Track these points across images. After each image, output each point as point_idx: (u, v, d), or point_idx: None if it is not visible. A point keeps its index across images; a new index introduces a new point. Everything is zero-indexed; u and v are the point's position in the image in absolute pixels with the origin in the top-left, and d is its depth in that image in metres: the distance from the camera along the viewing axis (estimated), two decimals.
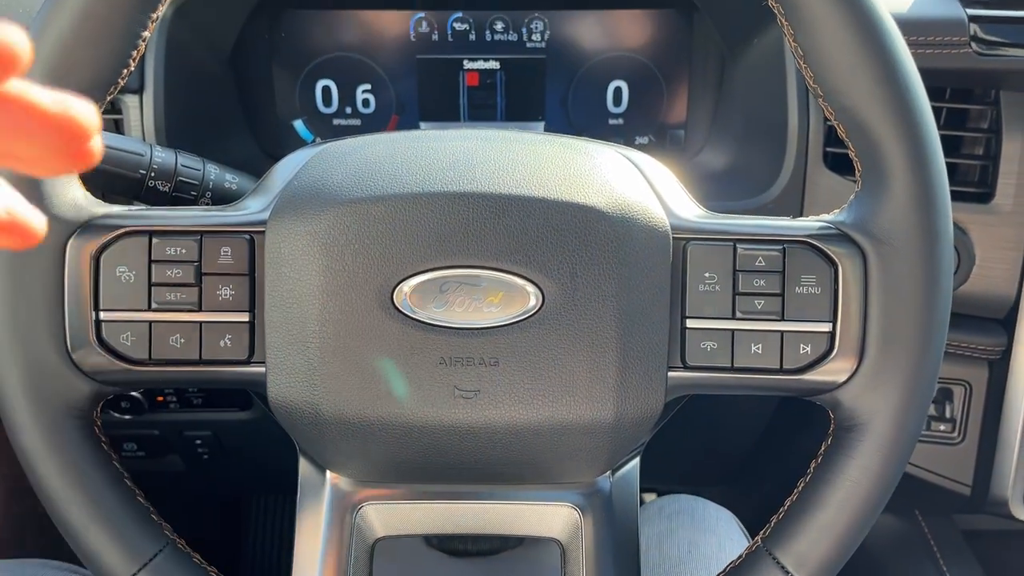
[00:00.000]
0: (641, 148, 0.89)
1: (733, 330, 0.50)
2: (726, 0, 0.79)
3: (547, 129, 0.89)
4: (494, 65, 0.87)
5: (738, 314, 0.50)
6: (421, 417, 0.50)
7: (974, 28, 0.68)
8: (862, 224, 0.50)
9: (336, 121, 0.89)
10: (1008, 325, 0.73)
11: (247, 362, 0.51)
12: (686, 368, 0.51)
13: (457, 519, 0.56)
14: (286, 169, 0.53)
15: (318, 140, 0.89)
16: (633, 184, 0.52)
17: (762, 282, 0.50)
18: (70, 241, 0.49)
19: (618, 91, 0.88)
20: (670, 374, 0.51)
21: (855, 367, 0.50)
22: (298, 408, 0.51)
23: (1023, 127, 0.69)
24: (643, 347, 0.50)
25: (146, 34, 0.49)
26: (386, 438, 0.51)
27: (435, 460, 0.52)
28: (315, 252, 0.49)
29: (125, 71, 0.49)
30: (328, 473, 0.56)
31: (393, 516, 0.56)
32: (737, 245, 0.50)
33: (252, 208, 0.52)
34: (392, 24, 0.86)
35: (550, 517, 0.56)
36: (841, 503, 0.50)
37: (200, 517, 1.38)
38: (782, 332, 0.50)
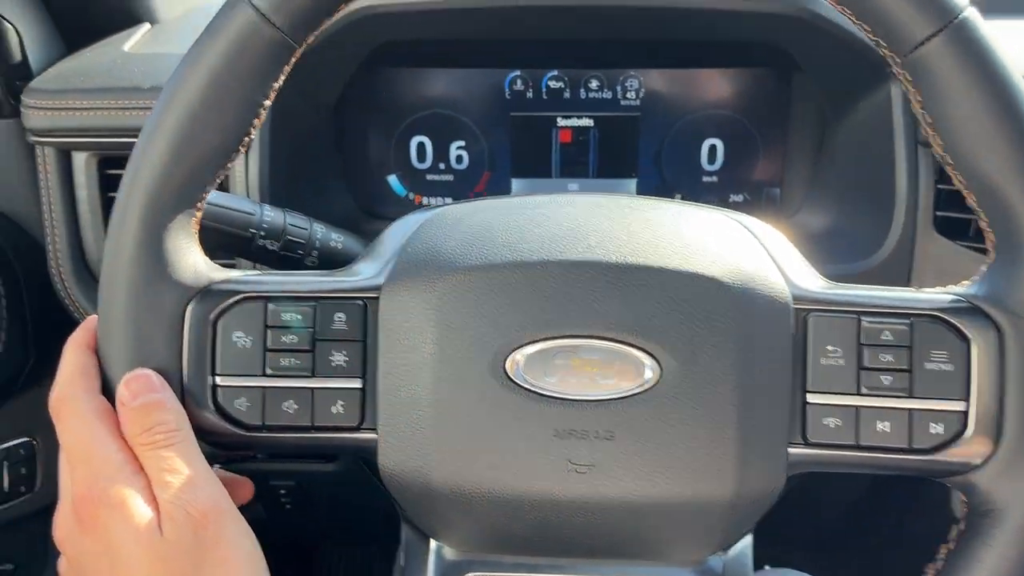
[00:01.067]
0: (735, 206, 0.89)
1: (858, 406, 0.48)
2: (830, 60, 0.78)
3: (640, 186, 0.89)
4: (587, 122, 0.87)
5: (863, 389, 0.48)
6: (533, 490, 0.49)
7: None
8: (997, 298, 0.47)
9: (429, 176, 0.89)
10: None
11: (358, 428, 0.51)
12: (807, 445, 0.49)
13: None
14: (398, 233, 0.54)
15: (411, 195, 0.90)
16: (751, 252, 0.50)
17: (889, 357, 0.48)
18: (190, 306, 0.50)
19: (713, 149, 0.87)
20: (791, 451, 0.49)
21: (992, 449, 0.47)
22: (408, 476, 0.50)
23: None
24: (764, 423, 0.48)
25: (267, 103, 0.50)
26: (496, 510, 0.50)
27: (545, 533, 0.51)
28: (429, 320, 0.49)
29: (247, 139, 0.50)
30: (433, 542, 0.55)
31: None
32: (862, 317, 0.49)
33: (366, 273, 0.52)
34: (487, 82, 0.86)
35: None
36: None
37: (275, 563, 1.38)
38: (911, 410, 0.48)
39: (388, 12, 0.71)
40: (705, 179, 0.88)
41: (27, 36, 0.77)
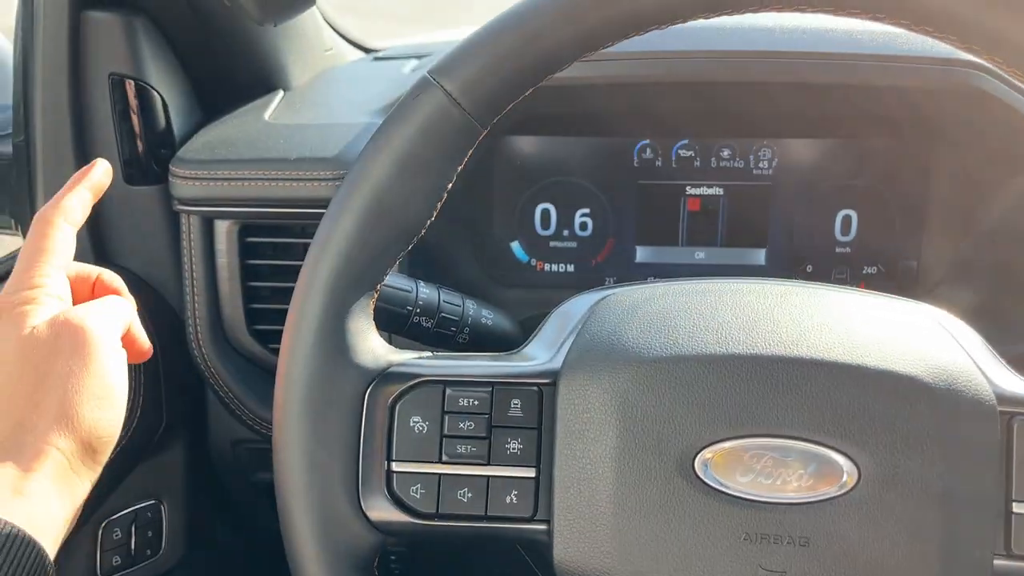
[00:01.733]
0: (869, 278, 0.86)
1: None
2: (981, 136, 0.76)
3: (768, 256, 0.87)
4: (717, 191, 0.86)
5: None
6: None
7: None
8: None
9: (553, 243, 0.89)
10: None
11: (530, 520, 0.49)
12: (1011, 557, 0.46)
13: None
14: (568, 317, 0.52)
15: (533, 261, 0.89)
16: (952, 351, 0.48)
17: None
18: (369, 389, 0.49)
19: (847, 219, 0.85)
20: (996, 563, 0.46)
21: None
22: (582, 572, 0.48)
23: None
24: (969, 533, 0.46)
25: (451, 185, 0.50)
26: None
27: None
28: (612, 411, 0.48)
29: (428, 221, 0.50)
30: None
31: None
32: None
33: (540, 358, 0.51)
34: (616, 151, 0.86)
35: None
36: None
37: None
38: None
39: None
40: (838, 250, 0.86)
41: (171, 102, 0.78)
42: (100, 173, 0.52)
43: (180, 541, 0.82)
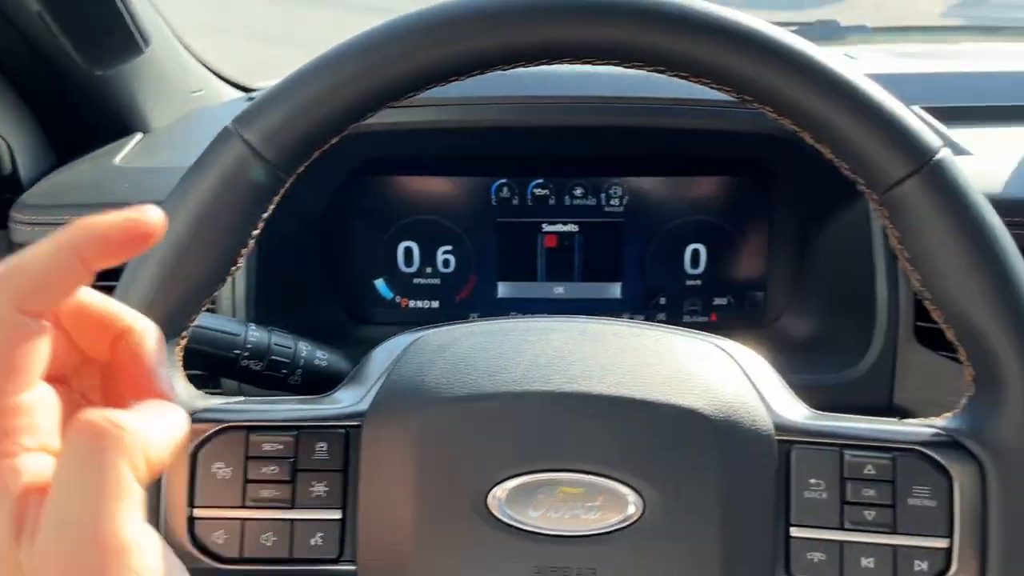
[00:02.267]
0: (720, 310, 0.89)
1: (842, 541, 0.48)
2: (807, 174, 0.80)
3: (624, 290, 0.89)
4: (572, 228, 0.88)
5: (847, 524, 0.48)
6: None
7: None
8: (978, 434, 0.47)
9: (416, 280, 0.90)
10: None
11: (336, 561, 0.50)
12: None
13: None
14: (382, 358, 0.54)
15: (398, 298, 0.90)
16: (734, 382, 0.51)
17: (872, 492, 0.48)
18: None
19: (696, 253, 0.89)
20: None
21: None
22: None
23: None
24: (747, 557, 0.48)
25: (256, 232, 0.51)
26: None
27: None
28: (410, 453, 0.49)
29: (233, 269, 0.51)
30: None
31: None
32: (844, 451, 0.49)
33: (347, 401, 0.52)
34: (474, 190, 0.88)
35: None
36: None
37: None
38: (895, 546, 0.48)
39: (374, 132, 0.72)
40: (689, 283, 0.89)
41: (17, 147, 0.78)
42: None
43: None
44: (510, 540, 0.48)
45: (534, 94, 0.77)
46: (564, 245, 0.89)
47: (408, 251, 0.89)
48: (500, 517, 0.48)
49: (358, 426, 0.50)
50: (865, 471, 0.48)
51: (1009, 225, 0.67)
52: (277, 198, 0.51)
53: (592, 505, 0.48)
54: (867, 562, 0.48)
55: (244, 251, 0.51)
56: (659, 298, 0.90)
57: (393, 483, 0.49)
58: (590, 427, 0.48)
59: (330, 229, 0.86)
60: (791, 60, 0.46)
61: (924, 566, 0.47)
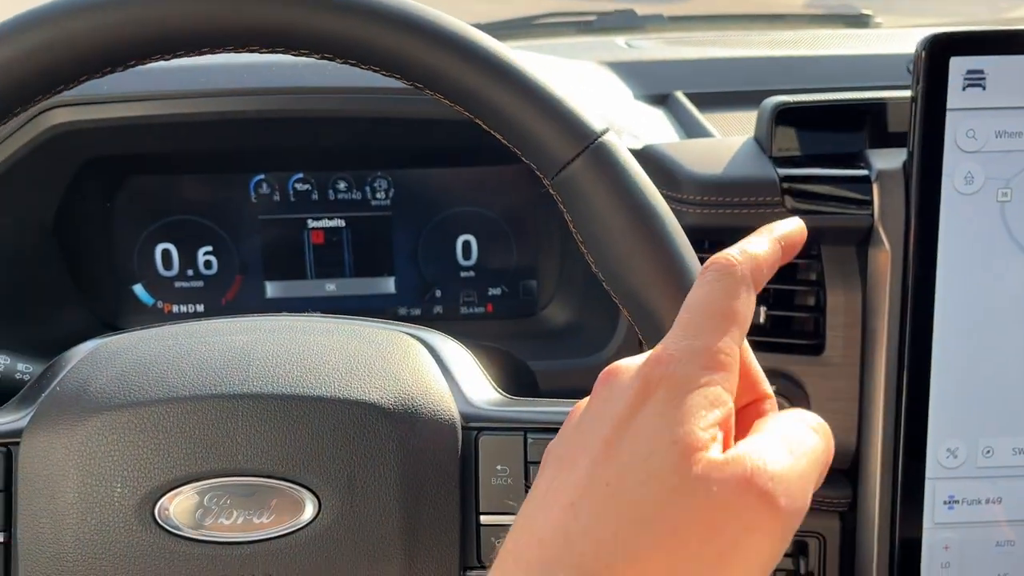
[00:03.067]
0: (495, 300, 0.89)
1: None
2: None
3: (398, 283, 0.88)
4: (339, 223, 0.86)
5: None
6: None
7: (786, 186, 0.69)
8: None
9: (178, 284, 0.86)
10: (852, 476, 0.72)
11: None
12: (483, 568, 0.48)
13: None
14: (57, 369, 0.50)
15: (160, 303, 0.86)
16: (421, 373, 0.50)
17: None
18: None
19: (467, 245, 0.88)
20: (468, 574, 0.48)
21: None
22: None
23: (843, 280, 0.70)
24: (433, 551, 0.47)
25: None
26: None
27: None
28: (71, 466, 0.46)
29: None
30: None
31: None
32: (528, 434, 0.48)
33: (9, 417, 0.48)
34: (232, 186, 0.85)
35: None
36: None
37: None
38: None
39: (86, 129, 0.68)
40: (463, 274, 0.89)
41: None
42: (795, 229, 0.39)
43: None
44: (181, 551, 0.45)
45: (256, 85, 0.75)
46: (332, 241, 0.87)
47: (167, 253, 0.85)
48: (168, 528, 0.45)
49: (18, 443, 0.47)
50: None
51: (718, 204, 0.69)
52: None
53: (265, 510, 0.46)
54: None
55: None
56: (434, 291, 0.89)
57: (53, 501, 0.46)
58: (261, 429, 0.46)
59: (75, 233, 0.81)
60: (456, 45, 0.46)
61: None
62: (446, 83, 0.46)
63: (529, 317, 0.87)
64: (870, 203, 0.67)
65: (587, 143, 0.46)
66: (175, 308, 0.86)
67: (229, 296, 0.87)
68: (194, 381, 0.47)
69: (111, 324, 0.84)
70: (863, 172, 0.68)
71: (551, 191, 0.48)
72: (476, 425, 0.49)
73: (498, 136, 0.48)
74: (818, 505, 0.74)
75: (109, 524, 0.45)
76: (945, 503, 0.70)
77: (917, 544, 0.69)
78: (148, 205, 0.84)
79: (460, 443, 0.48)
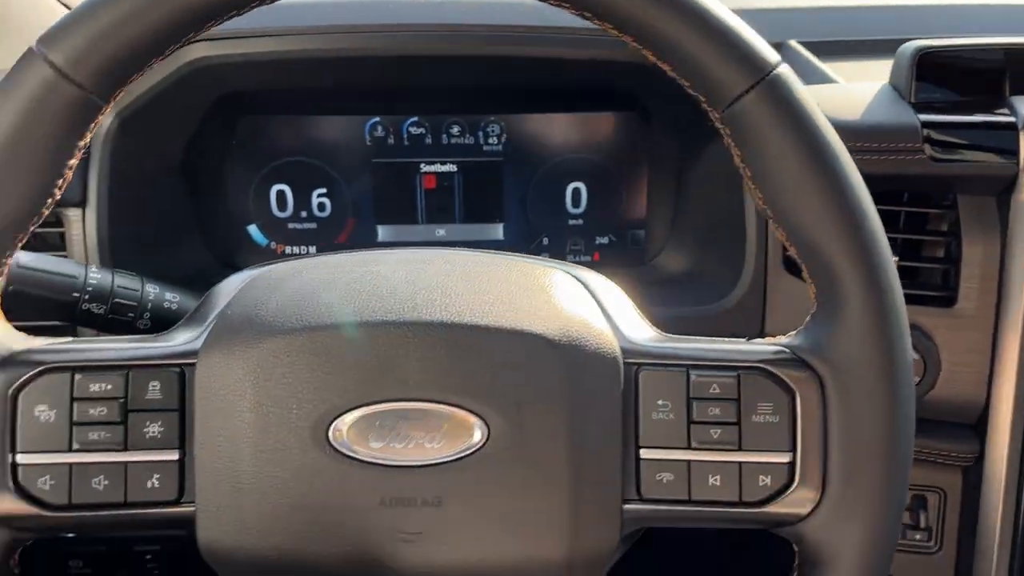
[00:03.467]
0: (602, 249, 0.89)
1: (689, 461, 0.48)
2: (677, 105, 0.79)
3: (506, 230, 0.88)
4: (451, 168, 0.86)
5: (694, 444, 0.48)
6: (363, 562, 0.47)
7: (927, 133, 0.67)
8: (818, 349, 0.48)
9: (292, 225, 0.87)
10: (979, 431, 0.71)
11: (177, 502, 0.48)
12: (642, 501, 0.48)
13: None
14: (219, 296, 0.51)
15: (273, 244, 0.87)
16: (582, 308, 0.50)
17: (717, 410, 0.48)
18: None
19: (576, 192, 0.88)
20: (626, 507, 0.48)
21: (818, 499, 0.47)
22: (230, 553, 0.47)
23: (982, 230, 0.69)
24: (596, 481, 0.47)
25: (73, 162, 0.47)
26: None
27: None
28: (247, 387, 0.47)
29: (50, 201, 0.47)
30: None
31: None
32: (690, 371, 0.48)
33: (182, 339, 0.49)
34: (347, 129, 0.85)
35: None
36: None
37: None
38: (740, 463, 0.48)
39: (224, 64, 0.69)
40: (571, 222, 0.88)
41: None
42: None
43: None
44: (353, 472, 0.46)
45: (396, 22, 0.74)
46: (443, 186, 0.87)
47: (281, 195, 0.86)
48: (341, 450, 0.46)
49: (193, 364, 0.48)
50: (711, 390, 0.48)
51: (856, 151, 0.68)
52: (94, 125, 0.47)
53: (436, 434, 0.47)
54: (714, 480, 0.48)
55: (61, 183, 0.47)
56: (542, 238, 0.89)
57: (230, 420, 0.47)
58: (432, 355, 0.47)
59: (196, 171, 0.83)
60: None
61: (768, 481, 0.47)
62: (617, 13, 0.46)
63: (638, 267, 0.87)
64: (1016, 151, 0.66)
65: (762, 75, 0.45)
66: (288, 249, 0.88)
67: (341, 239, 0.88)
68: (363, 308, 0.48)
69: (228, 263, 0.85)
70: (1009, 119, 0.66)
71: (717, 124, 0.48)
72: (636, 360, 0.49)
73: (666, 67, 0.47)
74: (940, 459, 0.73)
75: (285, 444, 0.46)
76: None
77: None
78: (265, 146, 0.85)
79: (622, 377, 0.48)
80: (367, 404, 0.47)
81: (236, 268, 0.85)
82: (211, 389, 0.47)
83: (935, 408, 0.72)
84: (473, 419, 0.47)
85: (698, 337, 0.51)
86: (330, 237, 0.88)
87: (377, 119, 0.85)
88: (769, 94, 0.45)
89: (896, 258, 0.71)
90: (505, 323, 0.48)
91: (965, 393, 0.71)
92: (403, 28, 0.74)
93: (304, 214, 0.87)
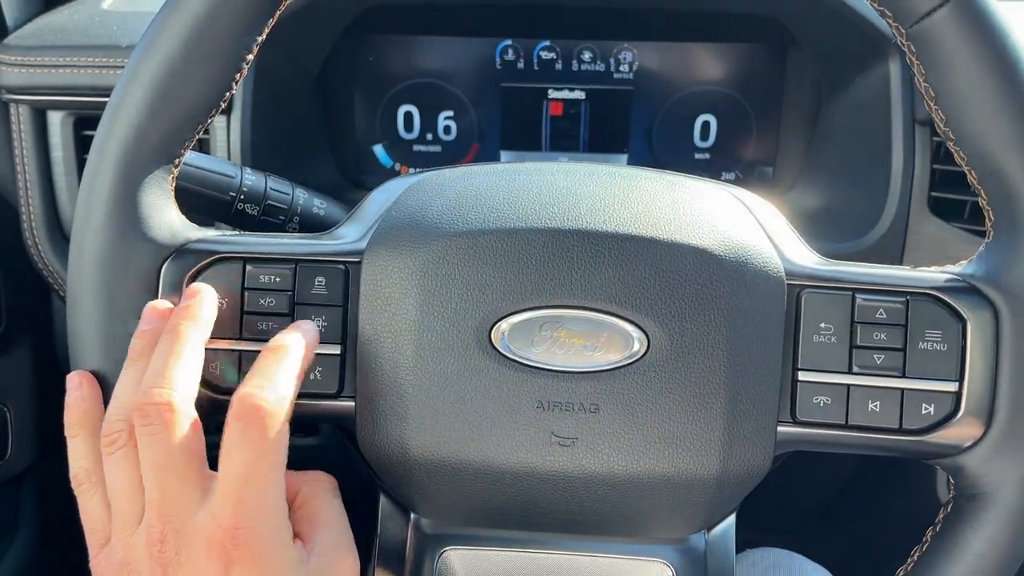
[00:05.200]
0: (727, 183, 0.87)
1: (849, 385, 0.47)
2: (828, 35, 0.76)
3: (630, 161, 0.87)
4: (579, 95, 0.85)
5: (855, 368, 0.47)
6: (516, 463, 0.48)
7: None
8: (994, 277, 0.46)
9: (417, 147, 0.88)
10: None
11: (336, 396, 0.49)
12: (796, 423, 0.48)
13: (543, 570, 0.53)
14: (383, 197, 0.52)
15: (397, 166, 0.88)
16: (746, 226, 0.49)
17: (883, 335, 0.47)
18: (164, 265, 0.48)
19: (706, 125, 0.86)
20: (779, 429, 0.48)
21: (983, 431, 0.46)
22: (387, 446, 0.49)
23: None
24: (753, 400, 0.47)
25: (250, 57, 0.48)
26: (477, 483, 0.48)
27: (526, 508, 0.49)
28: (412, 286, 0.47)
29: (228, 94, 0.48)
30: (411, 514, 0.54)
31: (478, 563, 0.53)
32: (856, 295, 0.47)
33: (348, 237, 0.50)
34: (477, 51, 0.85)
35: (640, 574, 0.53)
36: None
37: None
38: (903, 390, 0.47)
39: None
40: (697, 156, 0.87)
41: None
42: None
43: (28, 446, 0.81)
44: (513, 375, 0.47)
45: None
46: (570, 113, 0.86)
47: (408, 116, 0.87)
48: (502, 352, 0.47)
49: (358, 262, 0.49)
50: (877, 315, 0.47)
51: None
52: (272, 20, 0.48)
53: (596, 342, 0.47)
54: (873, 405, 0.47)
55: (239, 76, 0.48)
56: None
57: (394, 318, 0.48)
58: (594, 264, 0.47)
59: (329, 87, 0.83)
60: None
61: (932, 409, 0.46)
62: None
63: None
64: None
65: None
66: (411, 171, 0.88)
67: (465, 162, 0.88)
68: (526, 214, 0.48)
69: (355, 182, 0.86)
70: None
71: (900, 41, 0.46)
72: (800, 282, 0.48)
73: None
74: None
75: (448, 343, 0.47)
76: None
77: None
78: (395, 66, 0.85)
79: (785, 299, 0.48)
80: (529, 309, 0.47)
81: (363, 187, 0.87)
82: (376, 288, 0.48)
83: None
84: (634, 329, 0.47)
85: (862, 263, 0.49)
86: (454, 160, 0.88)
87: (508, 42, 0.84)
88: (961, 11, 0.43)
89: None
90: (671, 236, 0.47)
91: None
92: None
93: (430, 136, 0.87)
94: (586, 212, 0.48)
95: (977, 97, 0.44)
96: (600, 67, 0.85)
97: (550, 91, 0.85)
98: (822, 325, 0.48)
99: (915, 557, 0.49)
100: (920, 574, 0.48)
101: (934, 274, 0.48)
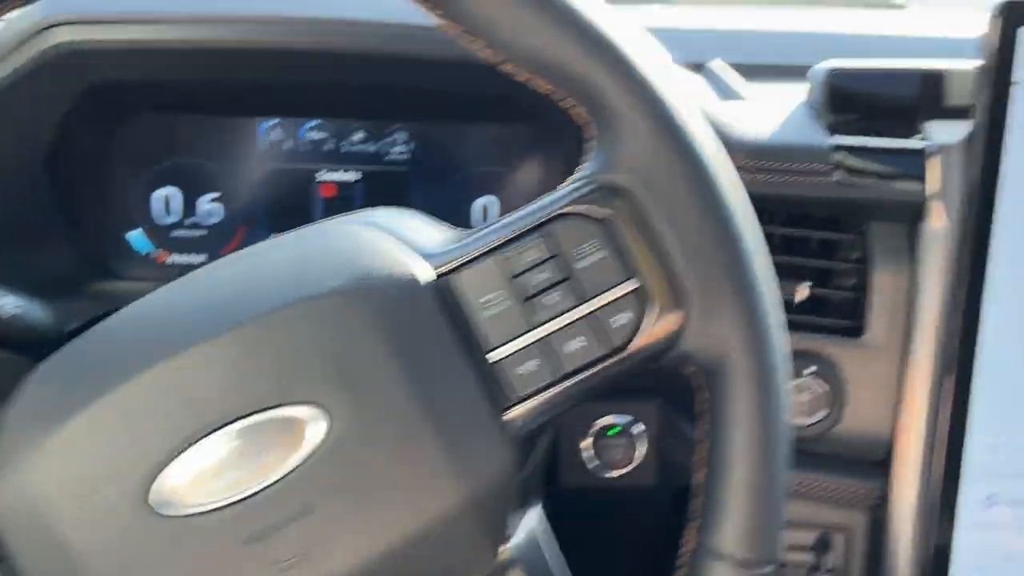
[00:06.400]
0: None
1: (540, 338, 0.43)
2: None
3: None
4: (353, 176, 0.82)
5: (537, 319, 0.43)
6: None
7: (839, 157, 0.65)
8: (610, 166, 0.43)
9: (177, 232, 0.81)
10: (883, 468, 0.68)
11: None
12: (517, 402, 0.44)
13: None
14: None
15: (157, 252, 0.81)
16: (370, 248, 0.44)
17: (544, 275, 0.43)
18: None
19: (486, 207, 0.83)
20: (504, 417, 0.43)
21: (682, 310, 0.43)
22: None
23: (893, 258, 0.66)
24: (458, 409, 0.42)
25: None
26: None
27: None
28: (46, 487, 0.41)
29: None
30: None
31: None
32: (498, 252, 0.44)
33: None
34: (241, 130, 0.80)
35: None
36: (745, 451, 0.43)
37: None
38: (590, 313, 0.43)
39: (93, 50, 0.63)
40: None
41: None
42: None
43: None
44: (201, 526, 0.40)
45: (278, 13, 0.70)
46: (344, 195, 0.82)
47: (167, 199, 0.80)
48: (172, 514, 0.41)
49: None
50: (527, 260, 0.43)
51: (764, 171, 0.65)
52: None
53: (273, 444, 0.41)
54: (576, 344, 0.43)
55: None
56: None
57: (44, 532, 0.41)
58: (229, 370, 0.41)
59: (70, 169, 0.76)
60: None
61: (625, 317, 0.43)
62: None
63: None
64: (924, 178, 0.63)
65: None
66: (171, 258, 0.82)
67: (231, 247, 0.82)
68: (140, 355, 0.42)
69: (103, 269, 0.79)
70: (920, 144, 0.64)
71: None
72: (446, 270, 0.44)
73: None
74: (846, 498, 0.71)
75: (110, 529, 0.41)
76: (983, 502, 0.67)
77: (950, 544, 0.66)
78: (151, 145, 0.79)
79: (433, 291, 0.44)
80: (181, 449, 0.41)
81: (113, 275, 0.80)
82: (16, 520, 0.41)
83: (840, 443, 0.69)
84: (304, 411, 0.41)
85: (492, 221, 0.46)
86: (220, 245, 0.82)
87: (274, 121, 0.80)
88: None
89: (807, 285, 0.69)
90: (297, 295, 0.42)
91: (871, 428, 0.68)
92: (289, 20, 0.70)
93: (192, 221, 0.81)
94: (202, 319, 0.43)
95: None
96: (373, 148, 0.81)
97: (321, 172, 0.81)
98: (484, 299, 0.44)
99: (700, 455, 0.45)
100: (709, 462, 0.44)
101: (555, 194, 0.45)
